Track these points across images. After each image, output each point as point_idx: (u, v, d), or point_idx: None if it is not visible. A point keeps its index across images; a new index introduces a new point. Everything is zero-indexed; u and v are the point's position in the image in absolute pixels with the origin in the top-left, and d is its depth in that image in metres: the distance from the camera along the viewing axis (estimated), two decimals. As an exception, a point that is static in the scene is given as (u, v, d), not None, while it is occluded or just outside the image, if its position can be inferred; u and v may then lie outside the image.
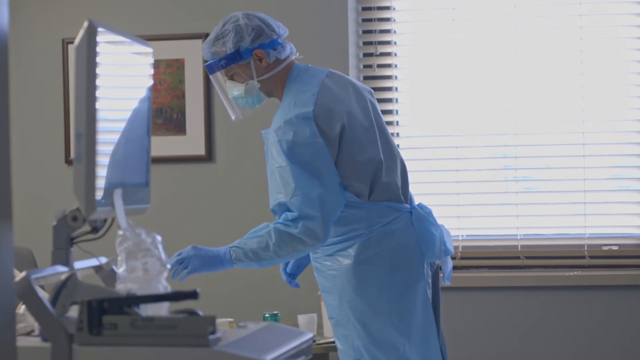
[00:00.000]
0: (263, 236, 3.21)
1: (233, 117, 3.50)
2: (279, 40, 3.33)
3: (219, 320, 2.05)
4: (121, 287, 2.04)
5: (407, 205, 3.31)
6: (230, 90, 3.37)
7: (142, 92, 2.31)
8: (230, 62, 3.30)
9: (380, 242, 3.22)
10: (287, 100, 3.28)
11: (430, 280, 3.30)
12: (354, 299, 3.22)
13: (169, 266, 3.08)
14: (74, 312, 1.99)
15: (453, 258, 4.70)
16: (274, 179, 3.22)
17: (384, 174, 3.27)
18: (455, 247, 4.75)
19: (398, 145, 4.82)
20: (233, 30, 3.30)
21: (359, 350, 3.25)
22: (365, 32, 4.89)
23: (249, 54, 3.29)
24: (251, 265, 3.24)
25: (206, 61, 3.37)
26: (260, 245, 3.20)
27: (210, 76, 3.41)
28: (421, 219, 3.28)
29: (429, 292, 3.27)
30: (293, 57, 3.38)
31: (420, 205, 3.34)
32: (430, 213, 3.32)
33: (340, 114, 3.23)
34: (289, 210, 3.17)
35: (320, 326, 4.26)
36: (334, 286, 3.27)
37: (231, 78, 3.34)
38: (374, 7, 4.87)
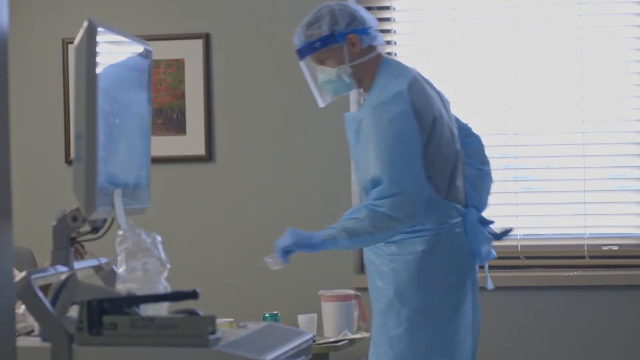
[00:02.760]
0: (356, 216, 3.24)
1: (321, 104, 3.53)
2: (372, 30, 3.40)
3: (219, 320, 2.05)
4: (121, 287, 2.04)
5: (464, 210, 3.38)
6: (320, 76, 3.42)
7: (142, 92, 2.31)
8: (324, 44, 3.36)
9: (445, 241, 3.29)
10: (381, 84, 3.33)
11: (477, 284, 3.40)
12: (409, 292, 3.27)
13: (270, 260, 3.34)
14: (74, 312, 1.99)
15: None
16: (365, 157, 3.25)
17: (457, 176, 3.35)
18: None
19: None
20: (328, 14, 3.36)
21: (395, 340, 3.28)
22: (365, 32, 4.88)
23: (343, 38, 3.35)
24: (344, 244, 3.27)
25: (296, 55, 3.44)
26: (353, 224, 3.23)
27: (300, 62, 3.46)
28: (474, 222, 3.36)
29: (477, 297, 3.37)
30: (381, 51, 3.43)
31: (471, 208, 3.41)
32: (479, 216, 3.40)
33: (432, 105, 3.31)
34: (380, 188, 3.20)
35: (320, 326, 4.26)
36: (393, 274, 3.30)
37: (322, 63, 3.40)
38: (374, 7, 4.87)
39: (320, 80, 3.42)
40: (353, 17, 3.36)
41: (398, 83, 3.29)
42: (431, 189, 3.26)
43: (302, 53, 3.40)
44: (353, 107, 4.80)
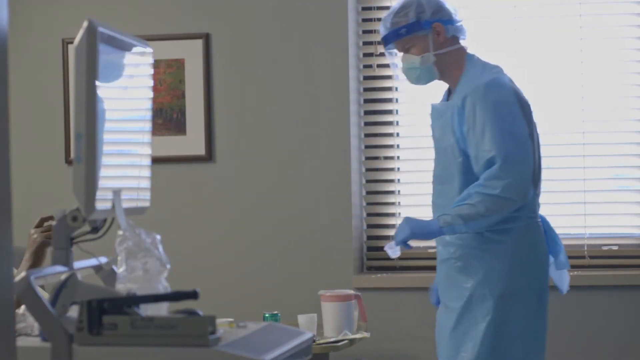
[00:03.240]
0: (468, 201, 3.29)
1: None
2: (457, 22, 3.49)
3: (219, 320, 2.05)
4: (121, 287, 2.04)
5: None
6: (404, 64, 3.49)
7: (142, 92, 2.31)
8: (410, 31, 3.44)
9: (534, 234, 3.38)
10: (475, 73, 3.40)
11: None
12: (502, 279, 3.32)
13: (389, 250, 3.40)
14: (74, 312, 1.99)
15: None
16: (476, 138, 3.30)
17: (541, 174, 3.44)
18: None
19: (398, 146, 4.86)
20: (415, 2, 3.45)
21: (487, 330, 3.33)
22: (365, 32, 4.89)
23: (429, 26, 3.44)
24: (460, 229, 3.31)
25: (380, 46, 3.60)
26: (467, 209, 3.28)
27: (385, 51, 3.55)
28: (550, 226, 3.47)
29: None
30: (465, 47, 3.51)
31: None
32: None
33: (525, 100, 3.43)
34: (493, 169, 3.26)
35: (320, 326, 4.26)
36: (483, 260, 3.35)
37: (407, 51, 3.47)
38: (374, 7, 4.87)
39: (403, 67, 3.50)
40: (440, 7, 3.46)
41: (496, 73, 3.39)
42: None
43: (387, 40, 3.48)
44: (353, 107, 4.80)
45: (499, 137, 3.27)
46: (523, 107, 3.37)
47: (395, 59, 3.60)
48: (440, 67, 3.47)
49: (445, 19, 3.45)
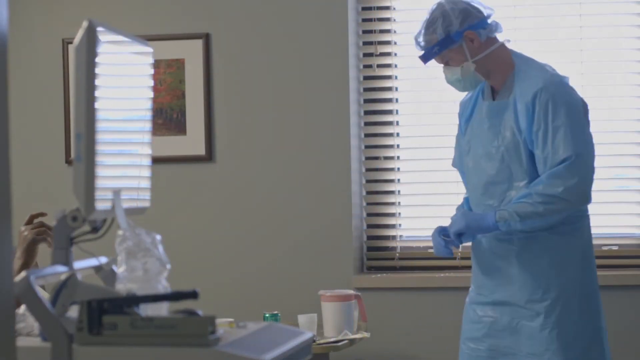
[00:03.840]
0: (527, 200, 3.27)
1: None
2: (487, 20, 3.41)
3: (219, 320, 2.05)
4: (121, 287, 2.04)
5: None
6: (447, 76, 3.44)
7: (142, 92, 2.31)
8: (442, 47, 3.38)
9: (589, 231, 3.45)
10: (532, 68, 3.37)
11: None
12: (579, 274, 3.36)
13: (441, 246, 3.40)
14: (74, 312, 1.99)
15: (454, 258, 4.71)
16: (542, 141, 3.27)
17: None
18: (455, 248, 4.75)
19: (398, 146, 4.86)
20: (441, 17, 3.37)
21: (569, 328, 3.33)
22: (365, 32, 4.89)
23: (460, 37, 3.37)
24: (515, 226, 3.28)
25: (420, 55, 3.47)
26: (526, 207, 3.26)
27: (426, 64, 3.50)
28: None
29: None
30: (505, 41, 3.46)
31: None
32: None
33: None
34: (560, 169, 3.25)
35: (320, 326, 4.26)
36: (556, 256, 3.35)
37: (446, 64, 3.42)
38: (374, 7, 4.87)
39: (447, 80, 3.45)
40: (467, 14, 3.37)
41: (554, 72, 3.39)
42: None
43: (424, 59, 3.43)
44: (353, 107, 4.80)
45: (573, 137, 3.26)
46: (585, 107, 3.38)
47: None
48: (484, 71, 3.40)
49: (475, 24, 3.37)
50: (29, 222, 3.10)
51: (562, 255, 3.36)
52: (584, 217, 3.43)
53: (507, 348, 3.37)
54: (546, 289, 3.33)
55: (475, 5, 3.41)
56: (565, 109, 3.28)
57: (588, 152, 3.31)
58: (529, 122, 3.30)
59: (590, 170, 3.32)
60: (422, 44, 3.40)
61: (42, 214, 3.15)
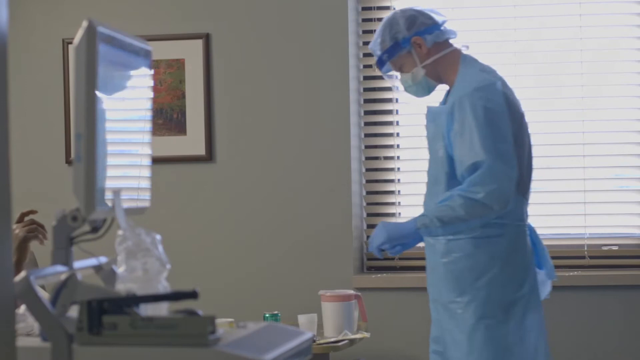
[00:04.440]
0: (449, 203, 3.28)
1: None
2: (438, 27, 3.46)
3: (219, 320, 2.05)
4: (121, 287, 2.04)
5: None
6: (402, 82, 3.52)
7: (142, 92, 2.31)
8: (391, 54, 3.45)
9: (521, 240, 3.38)
10: (468, 75, 3.38)
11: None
12: (497, 283, 3.32)
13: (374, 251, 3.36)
14: (74, 312, 1.99)
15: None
16: (462, 142, 3.28)
17: (528, 183, 3.43)
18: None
19: (398, 146, 4.86)
20: (388, 24, 3.45)
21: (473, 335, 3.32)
22: (365, 32, 4.89)
23: (407, 43, 3.44)
24: (436, 232, 3.31)
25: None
26: (446, 212, 3.27)
27: (383, 75, 3.58)
28: (537, 236, 3.48)
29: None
30: (461, 47, 3.51)
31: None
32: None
33: (518, 102, 3.41)
34: (478, 174, 3.25)
35: (320, 326, 4.26)
36: (475, 268, 3.34)
37: (401, 70, 3.49)
38: (374, 7, 4.87)
39: (403, 87, 3.53)
40: (413, 20, 3.44)
41: (488, 75, 3.38)
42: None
43: (379, 66, 3.52)
44: (353, 107, 4.80)
45: (485, 143, 3.24)
46: (512, 113, 3.34)
47: (395, 80, 3.63)
48: (435, 75, 3.47)
49: (422, 30, 3.43)
50: (20, 220, 3.10)
51: (478, 261, 3.33)
52: (508, 227, 3.35)
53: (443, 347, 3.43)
54: (461, 292, 3.34)
55: (426, 12, 3.48)
56: (480, 115, 3.26)
57: (504, 159, 3.26)
58: (449, 126, 3.34)
59: (509, 175, 3.27)
60: (375, 52, 3.49)
61: (32, 212, 3.16)
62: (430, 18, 3.46)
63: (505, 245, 3.35)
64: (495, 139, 3.27)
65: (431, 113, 3.48)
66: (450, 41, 3.50)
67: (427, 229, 3.30)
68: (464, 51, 3.53)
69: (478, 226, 3.31)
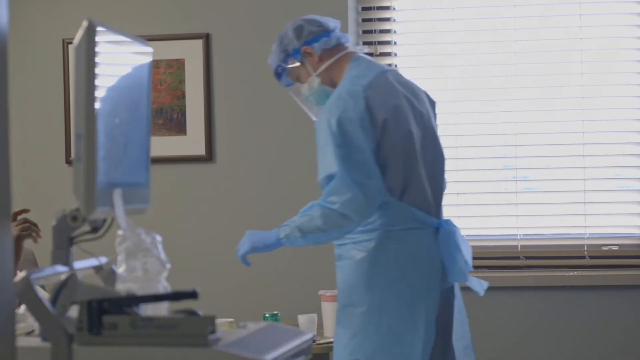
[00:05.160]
0: (309, 213, 3.27)
1: (314, 118, 3.56)
2: (327, 34, 3.45)
3: (219, 320, 2.05)
4: (121, 287, 2.04)
5: (435, 220, 3.34)
6: (302, 94, 3.50)
7: (142, 92, 2.31)
8: (285, 68, 3.46)
9: (396, 245, 3.27)
10: (345, 79, 3.36)
11: (438, 300, 3.31)
12: (359, 292, 3.27)
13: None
14: (74, 312, 1.99)
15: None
16: (320, 154, 3.27)
17: (419, 181, 3.30)
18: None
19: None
20: (278, 38, 3.47)
21: (352, 339, 3.27)
22: (365, 32, 4.89)
23: (298, 54, 3.43)
24: (298, 242, 3.29)
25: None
26: (306, 222, 3.26)
27: (288, 89, 3.55)
28: (446, 239, 3.32)
29: (433, 313, 3.28)
30: (353, 49, 3.48)
31: (447, 222, 3.37)
32: (455, 232, 3.35)
33: (389, 104, 3.29)
34: (332, 185, 3.22)
35: (320, 326, 4.26)
36: (342, 274, 3.32)
37: (299, 81, 3.48)
38: (374, 7, 4.87)
39: (302, 97, 3.51)
40: (300, 30, 3.44)
41: (359, 81, 3.30)
42: (384, 189, 3.24)
43: (278, 79, 3.51)
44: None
45: (338, 153, 3.19)
46: (374, 120, 3.23)
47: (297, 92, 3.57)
48: (329, 82, 3.43)
49: (310, 39, 3.42)
50: (13, 219, 3.10)
51: (358, 266, 3.29)
52: (378, 232, 3.27)
53: None
54: (347, 296, 3.33)
55: (315, 20, 3.47)
56: (334, 125, 3.21)
57: (357, 168, 3.20)
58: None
59: (363, 185, 3.19)
60: (272, 66, 3.49)
61: (25, 210, 3.17)
62: (319, 25, 3.44)
63: (375, 250, 3.26)
64: (350, 149, 3.20)
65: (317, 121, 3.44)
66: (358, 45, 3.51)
67: (288, 239, 3.29)
68: (358, 52, 3.47)
69: (340, 236, 3.26)
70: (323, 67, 3.42)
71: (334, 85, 3.42)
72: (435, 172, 3.39)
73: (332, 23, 3.48)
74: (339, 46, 3.46)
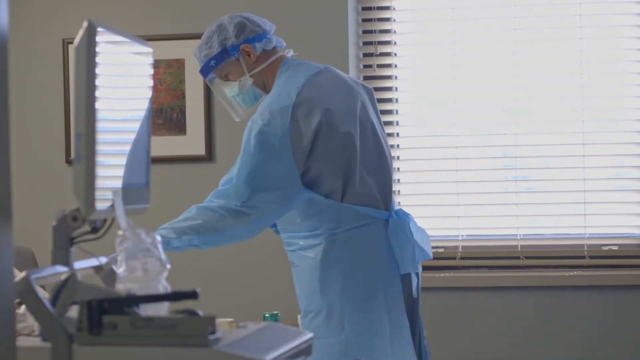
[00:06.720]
0: (187, 214, 3.29)
1: (236, 118, 3.53)
2: (266, 35, 3.38)
3: (219, 320, 2.05)
4: (121, 287, 2.04)
5: (385, 212, 3.30)
6: (226, 91, 3.41)
7: (142, 92, 2.31)
8: (219, 61, 3.35)
9: (344, 246, 3.24)
10: (273, 90, 3.31)
11: (400, 288, 3.28)
12: (320, 300, 3.27)
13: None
14: (74, 312, 1.99)
15: (453, 258, 4.71)
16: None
17: (361, 178, 3.26)
18: (455, 247, 4.75)
19: (398, 146, 4.86)
20: (217, 30, 3.35)
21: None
22: (365, 32, 4.89)
23: (236, 50, 3.35)
24: (173, 243, 3.24)
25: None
26: (182, 222, 3.26)
27: (208, 82, 3.46)
28: (396, 229, 3.27)
29: (399, 302, 3.26)
30: (286, 53, 3.42)
31: (399, 212, 3.32)
32: (406, 222, 3.30)
33: (320, 109, 3.22)
34: (226, 187, 3.26)
35: (320, 326, 4.26)
36: (299, 282, 3.35)
37: (226, 78, 3.39)
38: (374, 7, 4.87)
39: (228, 95, 3.42)
40: (242, 27, 3.36)
41: (287, 92, 3.25)
42: (319, 195, 3.21)
43: (204, 72, 3.39)
44: (353, 107, 4.79)
45: (240, 161, 3.27)
46: (300, 138, 3.18)
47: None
48: (261, 84, 3.39)
49: (251, 38, 3.35)
50: None
51: (306, 271, 3.30)
52: (333, 241, 3.25)
53: None
54: (302, 300, 3.34)
55: (254, 19, 3.40)
56: (251, 137, 3.23)
57: (244, 174, 3.24)
58: None
59: (246, 193, 3.22)
60: (200, 58, 3.38)
61: None
62: (259, 26, 3.39)
63: (323, 254, 3.25)
64: (265, 158, 3.20)
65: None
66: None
67: (165, 239, 3.20)
68: (288, 56, 3.43)
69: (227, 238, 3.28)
70: (259, 68, 3.36)
71: (264, 87, 3.38)
72: (380, 164, 3.34)
73: (269, 26, 3.42)
74: (275, 49, 3.40)
